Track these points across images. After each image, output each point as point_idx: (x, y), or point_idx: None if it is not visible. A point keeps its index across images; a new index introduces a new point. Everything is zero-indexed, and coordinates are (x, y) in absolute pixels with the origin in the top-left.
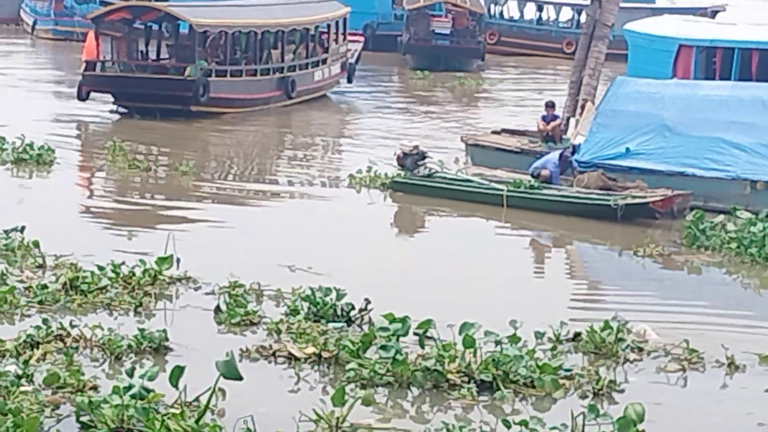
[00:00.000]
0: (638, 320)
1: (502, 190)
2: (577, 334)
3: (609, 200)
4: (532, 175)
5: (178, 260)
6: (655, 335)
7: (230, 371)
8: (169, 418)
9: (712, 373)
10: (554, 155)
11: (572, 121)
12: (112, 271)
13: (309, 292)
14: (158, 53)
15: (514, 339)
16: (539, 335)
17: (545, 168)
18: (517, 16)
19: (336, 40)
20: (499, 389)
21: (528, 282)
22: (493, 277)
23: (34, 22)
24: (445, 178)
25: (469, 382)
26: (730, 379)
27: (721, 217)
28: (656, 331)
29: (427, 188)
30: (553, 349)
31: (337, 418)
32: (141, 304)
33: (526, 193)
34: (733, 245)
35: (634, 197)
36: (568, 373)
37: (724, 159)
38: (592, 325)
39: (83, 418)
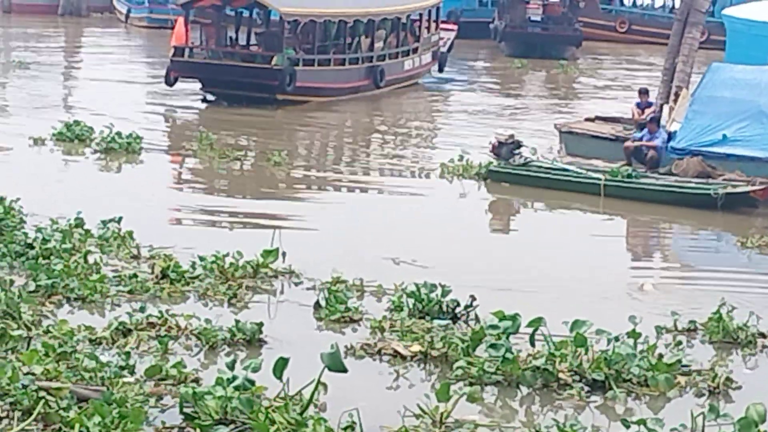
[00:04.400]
0: (747, 310)
1: (600, 179)
2: (692, 324)
3: (709, 189)
4: (637, 158)
5: (284, 254)
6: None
7: (335, 363)
8: (273, 411)
9: None
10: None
11: (666, 108)
12: (213, 262)
13: (413, 288)
14: (248, 41)
15: (633, 335)
16: (660, 330)
17: (653, 149)
18: (648, 3)
19: (428, 29)
20: (611, 389)
21: (633, 275)
22: (598, 271)
23: (128, 11)
24: (541, 167)
25: (580, 382)
26: None
27: None
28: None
29: (523, 177)
30: (678, 344)
31: (442, 414)
32: (236, 296)
33: (623, 182)
34: None
35: (734, 186)
36: (686, 369)
37: None
38: (718, 312)
39: (187, 410)
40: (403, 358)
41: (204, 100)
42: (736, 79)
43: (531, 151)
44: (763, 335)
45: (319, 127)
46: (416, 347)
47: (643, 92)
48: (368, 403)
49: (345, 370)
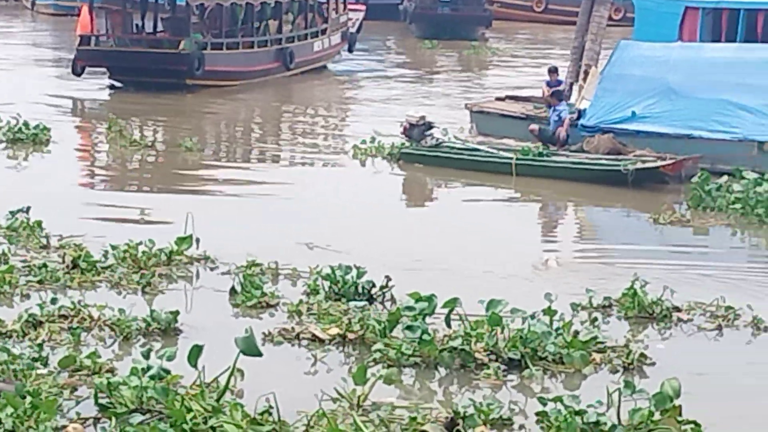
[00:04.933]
0: (661, 285)
1: (511, 158)
2: (607, 301)
3: (619, 166)
4: (549, 140)
5: (198, 240)
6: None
7: (250, 348)
8: (189, 399)
9: (742, 335)
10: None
11: (575, 86)
12: (125, 251)
13: (328, 271)
14: (155, 27)
15: (549, 313)
16: (575, 307)
17: (560, 126)
18: None
19: (336, 10)
20: (527, 367)
21: (547, 253)
22: (511, 249)
23: None
24: (452, 147)
25: (496, 361)
26: (757, 341)
27: (726, 178)
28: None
29: (436, 158)
30: (593, 320)
31: (359, 397)
32: (149, 284)
33: (534, 161)
34: (738, 206)
35: (644, 162)
36: (602, 346)
37: (730, 121)
38: (632, 288)
39: (102, 400)
40: (321, 341)
41: (112, 87)
42: (645, 56)
43: (442, 132)
44: (677, 309)
45: (229, 112)
46: (334, 330)
47: (553, 71)
48: (286, 387)
49: (260, 354)
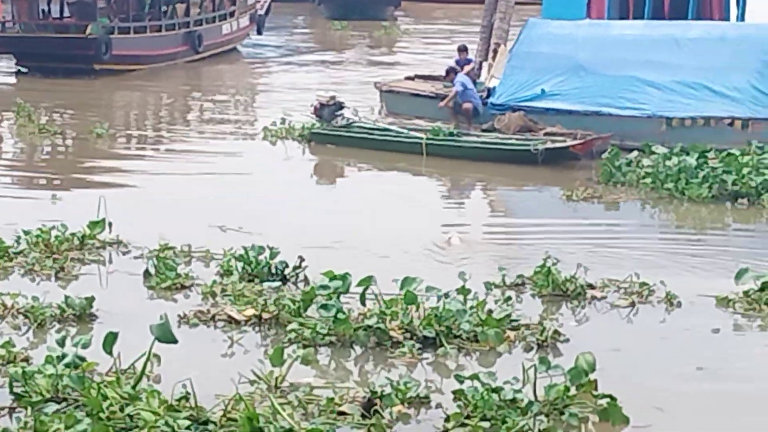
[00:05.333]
0: (574, 262)
1: (421, 138)
2: (520, 279)
3: (529, 145)
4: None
5: (110, 224)
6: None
7: (165, 334)
8: (105, 386)
9: (656, 311)
10: (461, 79)
11: (485, 65)
12: (37, 236)
13: (242, 252)
14: (61, 12)
15: (463, 291)
16: (489, 286)
17: (467, 101)
18: None
19: None
20: (442, 345)
21: (458, 232)
22: (423, 228)
23: None
24: (363, 127)
25: (411, 339)
26: (671, 317)
27: (636, 153)
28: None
29: (346, 138)
30: (507, 299)
31: (276, 378)
32: (63, 269)
33: (444, 141)
34: (649, 180)
35: (554, 141)
36: (516, 323)
37: (639, 97)
38: (545, 265)
39: (17, 389)
40: (237, 323)
41: (18, 73)
42: (553, 34)
43: (353, 112)
44: (591, 286)
45: (138, 97)
46: (250, 311)
47: (462, 49)
48: (203, 371)
49: (175, 341)
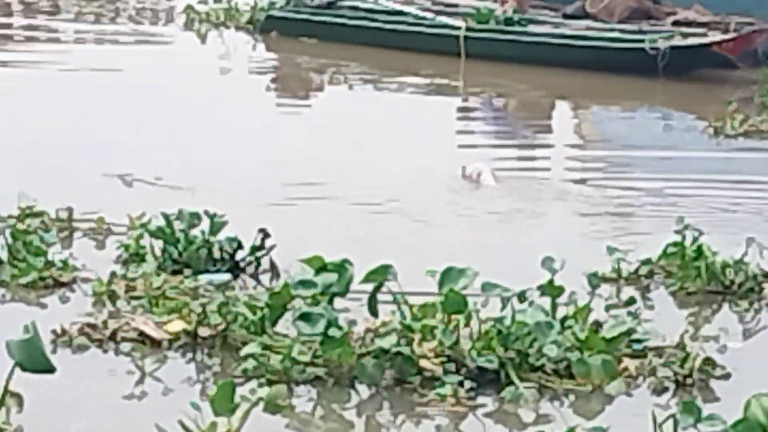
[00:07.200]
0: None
1: (458, 28)
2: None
3: (644, 41)
4: None
5: None
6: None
7: (32, 358)
8: None
9: None
10: None
11: None
12: None
13: (162, 221)
14: None
15: (550, 289)
16: (594, 279)
17: None
18: None
19: None
20: (510, 383)
21: (518, 192)
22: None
23: None
24: (358, 8)
25: (456, 373)
26: None
27: None
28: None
29: (333, 28)
30: (629, 302)
31: None
32: None
33: (497, 33)
34: None
35: (686, 35)
36: (640, 346)
37: None
38: (683, 241)
39: None
40: (155, 343)
41: None
42: None
43: None
44: None
45: None
46: (176, 325)
47: None
48: (94, 423)
49: (51, 370)
